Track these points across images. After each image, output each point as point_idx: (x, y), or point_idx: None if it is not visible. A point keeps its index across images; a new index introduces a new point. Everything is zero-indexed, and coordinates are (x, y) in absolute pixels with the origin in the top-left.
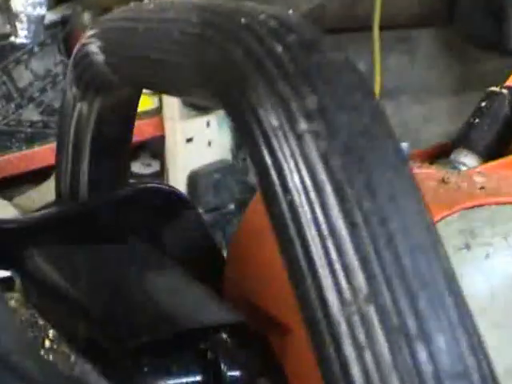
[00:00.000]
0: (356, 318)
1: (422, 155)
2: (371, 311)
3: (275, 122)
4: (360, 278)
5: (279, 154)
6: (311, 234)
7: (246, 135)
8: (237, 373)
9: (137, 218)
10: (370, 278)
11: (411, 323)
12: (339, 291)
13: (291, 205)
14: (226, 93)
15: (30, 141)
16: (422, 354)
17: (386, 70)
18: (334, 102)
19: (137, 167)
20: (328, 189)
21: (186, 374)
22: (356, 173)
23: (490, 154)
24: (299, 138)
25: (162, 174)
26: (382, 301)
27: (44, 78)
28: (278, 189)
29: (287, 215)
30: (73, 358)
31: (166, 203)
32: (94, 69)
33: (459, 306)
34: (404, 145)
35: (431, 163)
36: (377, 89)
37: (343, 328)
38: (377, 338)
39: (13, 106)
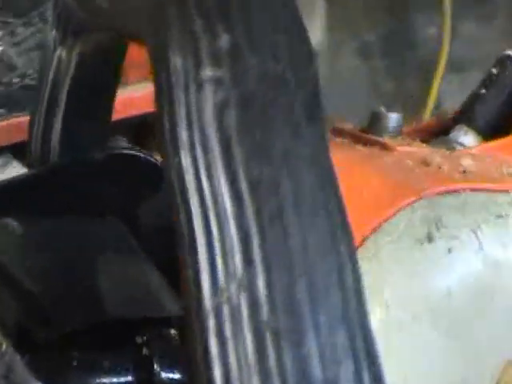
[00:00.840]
0: (225, 309)
1: (421, 130)
2: (242, 302)
3: (180, 66)
4: (237, 261)
5: (176, 106)
6: (194, 203)
7: (155, 80)
8: (173, 375)
9: (109, 187)
10: (247, 261)
11: (283, 319)
12: (214, 276)
13: (179, 167)
14: (146, 29)
15: None
16: (289, 357)
17: (457, 38)
18: (248, 43)
19: None
20: (216, 148)
21: (119, 372)
22: (250, 129)
23: (492, 131)
24: (199, 86)
25: None
26: (256, 290)
27: None
28: (169, 148)
29: (174, 179)
30: (4, 346)
31: (142, 172)
32: (69, 9)
33: (349, 306)
34: (395, 116)
35: (427, 141)
36: (442, 60)
37: (210, 320)
38: (243, 334)
39: None
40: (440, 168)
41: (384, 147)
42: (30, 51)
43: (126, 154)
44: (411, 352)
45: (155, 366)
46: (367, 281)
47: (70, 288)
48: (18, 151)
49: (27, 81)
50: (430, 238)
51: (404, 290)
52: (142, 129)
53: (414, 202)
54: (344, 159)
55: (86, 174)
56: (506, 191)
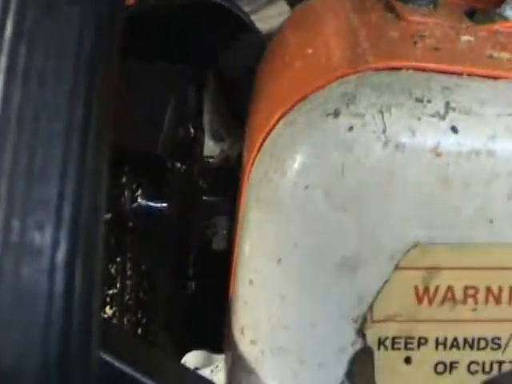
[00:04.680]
0: None
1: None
2: None
3: None
4: None
5: None
6: None
7: None
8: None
9: (190, 31)
10: None
11: None
12: None
13: None
14: None
15: None
16: None
17: None
18: None
19: None
20: None
21: None
22: None
23: None
24: None
25: None
26: None
27: None
28: None
29: None
30: None
31: (223, 21)
32: None
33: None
34: None
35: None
36: None
37: None
38: None
39: None
40: (417, 43)
41: (392, 11)
42: None
43: (211, 2)
44: (301, 222)
45: (128, 194)
46: (282, 142)
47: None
48: None
49: None
50: (336, 114)
51: (304, 159)
52: None
53: (347, 75)
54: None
55: (171, 16)
56: (459, 74)
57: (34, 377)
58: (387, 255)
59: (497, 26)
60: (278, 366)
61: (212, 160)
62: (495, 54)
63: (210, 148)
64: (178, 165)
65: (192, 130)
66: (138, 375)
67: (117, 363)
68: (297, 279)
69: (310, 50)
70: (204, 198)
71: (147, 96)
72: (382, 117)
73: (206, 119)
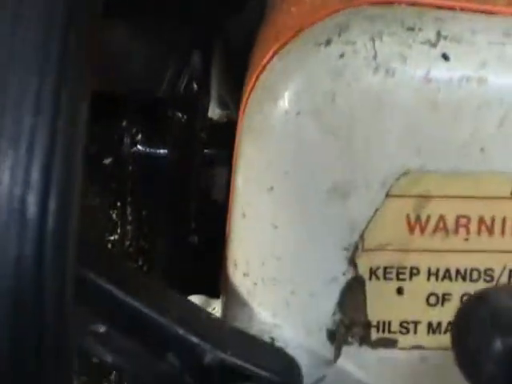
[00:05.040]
0: None
1: None
2: None
3: None
4: None
5: None
6: None
7: None
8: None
9: None
10: None
11: None
12: None
13: None
14: None
15: None
16: None
17: None
18: None
19: None
20: None
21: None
22: None
23: None
24: None
25: None
26: None
27: None
28: None
29: None
30: None
31: None
32: None
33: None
34: None
35: None
36: None
37: None
38: None
39: None
40: None
41: None
42: None
43: None
44: (293, 149)
45: (127, 139)
46: (275, 73)
47: None
48: None
49: None
50: (327, 42)
51: (296, 87)
52: None
53: (342, 9)
54: None
55: None
56: (453, 8)
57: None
58: (378, 182)
59: None
60: (270, 296)
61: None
62: None
63: (216, 114)
64: (179, 114)
65: (195, 87)
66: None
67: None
68: (288, 208)
69: None
70: (205, 150)
71: (151, 47)
72: (373, 44)
73: (214, 86)
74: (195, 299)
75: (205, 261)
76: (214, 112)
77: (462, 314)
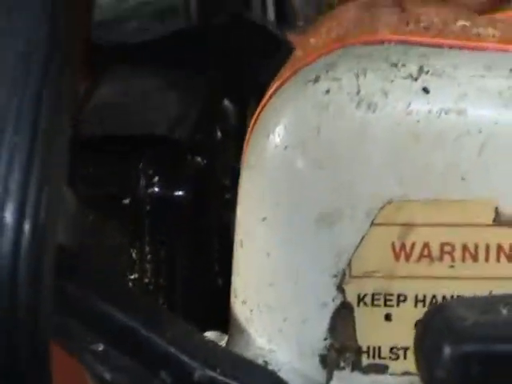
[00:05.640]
0: None
1: None
2: None
3: None
4: None
5: None
6: None
7: None
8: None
9: (227, 48)
10: None
11: None
12: None
13: None
14: None
15: None
16: None
17: None
18: None
19: None
20: None
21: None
22: None
23: None
24: None
25: None
26: None
27: None
28: None
29: None
30: None
31: (257, 37)
32: None
33: None
34: None
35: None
36: None
37: None
38: None
39: None
40: (409, 24)
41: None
42: None
43: (243, 18)
44: (282, 181)
45: (144, 180)
46: (269, 110)
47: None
48: None
49: None
50: (316, 80)
51: (285, 122)
52: None
53: (334, 49)
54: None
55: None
56: (440, 46)
57: None
58: (363, 211)
59: (497, 14)
60: (265, 323)
61: None
62: (482, 31)
63: None
64: (198, 159)
65: (219, 134)
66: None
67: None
68: (280, 236)
69: (312, 40)
70: (227, 196)
71: (178, 92)
72: (357, 80)
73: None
74: (210, 334)
75: (222, 299)
76: None
77: (421, 323)
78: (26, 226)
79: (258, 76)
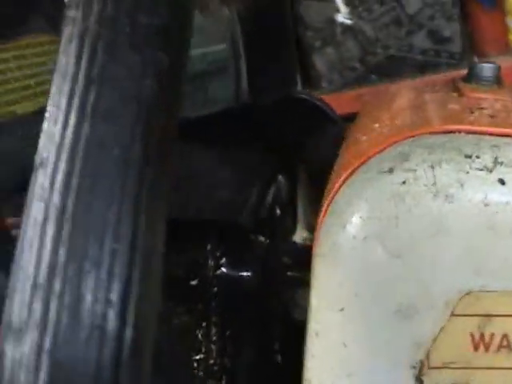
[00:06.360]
0: None
1: None
2: None
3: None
4: None
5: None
6: None
7: None
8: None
9: (278, 126)
10: None
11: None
12: None
13: None
14: None
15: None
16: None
17: None
18: None
19: None
20: None
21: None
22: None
23: None
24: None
25: None
26: None
27: (432, 5)
28: None
29: None
30: None
31: (310, 115)
32: None
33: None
34: (489, 66)
35: None
36: None
37: None
38: None
39: (403, 32)
40: (474, 112)
41: (456, 91)
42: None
43: (298, 97)
44: (361, 272)
45: (212, 262)
46: (342, 201)
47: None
48: None
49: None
50: (390, 170)
51: (361, 213)
52: None
53: (404, 139)
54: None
55: (264, 112)
56: (508, 135)
57: None
58: (442, 302)
59: None
60: None
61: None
62: None
63: (303, 238)
64: (262, 238)
65: (278, 212)
66: None
67: None
68: (357, 327)
69: (376, 125)
70: (289, 273)
71: (237, 176)
72: (433, 171)
73: (300, 210)
74: None
75: (286, 379)
76: (303, 236)
77: None
78: (128, 335)
79: (304, 150)
